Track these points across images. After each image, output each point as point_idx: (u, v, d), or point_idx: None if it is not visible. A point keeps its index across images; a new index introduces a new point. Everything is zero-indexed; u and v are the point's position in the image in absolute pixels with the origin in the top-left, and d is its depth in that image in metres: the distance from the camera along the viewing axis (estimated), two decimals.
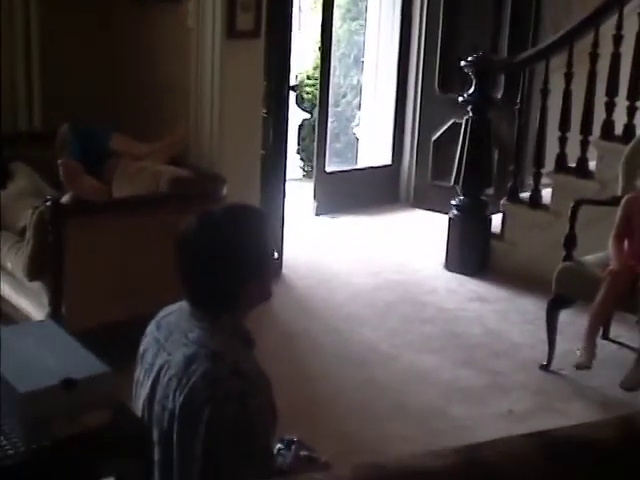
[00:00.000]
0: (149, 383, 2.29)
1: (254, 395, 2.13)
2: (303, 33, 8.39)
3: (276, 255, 2.43)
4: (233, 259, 2.24)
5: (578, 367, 4.15)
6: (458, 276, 5.64)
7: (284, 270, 5.45)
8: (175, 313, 2.36)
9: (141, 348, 2.41)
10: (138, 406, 2.33)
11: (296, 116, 7.99)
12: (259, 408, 2.14)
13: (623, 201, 4.31)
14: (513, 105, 5.80)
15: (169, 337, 2.30)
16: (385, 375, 4.32)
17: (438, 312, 5.09)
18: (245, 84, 4.89)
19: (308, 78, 8.18)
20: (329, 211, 6.80)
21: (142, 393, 2.33)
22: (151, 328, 2.41)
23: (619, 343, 4.69)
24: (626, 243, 4.25)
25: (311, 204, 6.79)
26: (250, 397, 2.12)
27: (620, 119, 5.22)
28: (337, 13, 7.42)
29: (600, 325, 4.32)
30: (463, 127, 5.73)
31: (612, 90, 5.22)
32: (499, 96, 6.25)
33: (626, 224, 4.25)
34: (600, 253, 4.39)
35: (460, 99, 5.74)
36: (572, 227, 4.45)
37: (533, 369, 4.42)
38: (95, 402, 2.17)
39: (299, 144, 8.27)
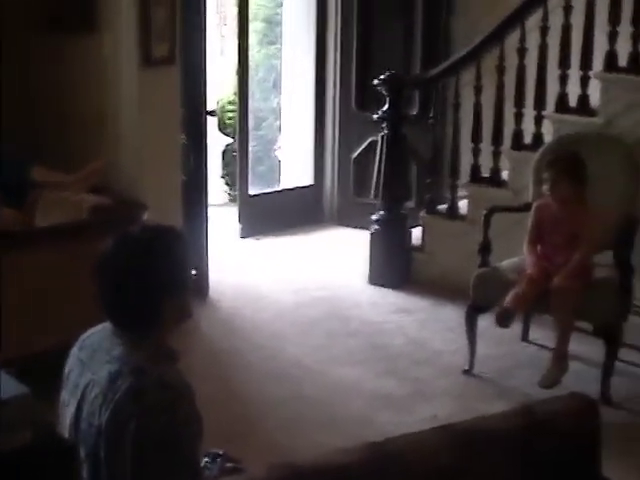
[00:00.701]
0: (75, 402, 2.33)
1: (181, 406, 2.18)
2: (225, 59, 8.47)
3: (194, 272, 2.48)
4: (150, 278, 2.30)
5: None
6: (381, 289, 5.75)
7: (210, 292, 5.51)
8: (98, 333, 2.41)
9: (65, 370, 2.45)
10: (65, 426, 2.37)
11: (219, 141, 8.06)
12: (186, 418, 2.19)
13: (533, 208, 4.47)
14: (427, 120, 5.96)
15: (93, 356, 2.35)
16: (312, 389, 4.41)
17: (362, 325, 5.20)
18: (162, 111, 4.95)
19: (230, 103, 8.26)
20: (254, 233, 6.87)
21: (68, 413, 2.37)
22: (74, 350, 2.45)
23: (537, 344, 4.84)
24: (539, 247, 4.40)
25: (236, 227, 6.87)
26: (176, 407, 2.17)
27: (529, 129, 5.40)
28: (255, 38, 7.53)
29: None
30: (379, 144, 5.87)
31: (520, 101, 5.40)
32: (414, 112, 6.40)
33: (537, 229, 4.41)
34: (515, 258, 4.53)
35: (375, 117, 5.88)
36: (486, 234, 4.60)
37: (455, 374, 4.55)
38: (14, 423, 2.18)
39: (223, 169, 8.33)
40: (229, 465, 2.77)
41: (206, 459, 2.71)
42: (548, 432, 2.16)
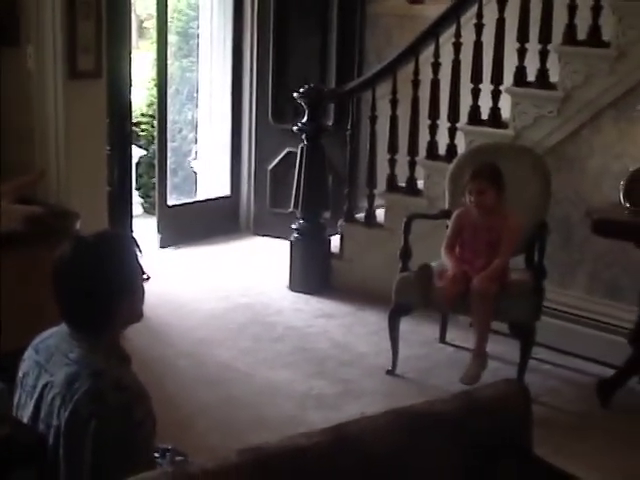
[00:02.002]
0: (32, 404, 2.41)
1: (137, 406, 2.29)
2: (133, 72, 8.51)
3: (146, 276, 2.59)
4: (105, 281, 2.39)
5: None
6: (302, 295, 5.92)
7: None
8: (54, 336, 2.50)
9: (20, 373, 2.52)
10: None
11: (133, 153, 8.10)
12: (142, 419, 2.30)
13: (454, 215, 4.66)
14: (344, 132, 6.14)
15: (50, 359, 2.42)
16: (242, 392, 4.54)
17: (287, 330, 5.35)
18: (89, 123, 5.03)
19: (142, 115, 8.32)
20: (173, 243, 6.97)
21: (24, 414, 2.44)
22: (29, 353, 2.53)
23: (454, 345, 5.08)
24: (458, 251, 4.61)
25: (155, 237, 6.95)
26: (133, 408, 2.27)
27: (443, 140, 5.63)
28: (168, 51, 7.61)
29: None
30: (299, 155, 6.04)
31: (434, 114, 5.64)
32: (330, 123, 6.59)
33: (457, 236, 4.62)
34: (433, 263, 4.74)
35: (294, 128, 6.05)
36: (406, 240, 4.81)
37: (380, 375, 4.74)
38: None
39: (137, 181, 8.37)
40: (179, 458, 2.90)
41: (155, 454, 2.82)
42: (485, 414, 2.35)
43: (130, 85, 5.58)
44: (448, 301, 4.47)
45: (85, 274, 2.39)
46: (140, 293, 2.54)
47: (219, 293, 5.97)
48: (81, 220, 4.69)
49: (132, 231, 5.68)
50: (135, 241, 2.59)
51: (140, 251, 2.54)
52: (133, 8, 8.40)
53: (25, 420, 2.44)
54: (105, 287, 2.40)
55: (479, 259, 4.51)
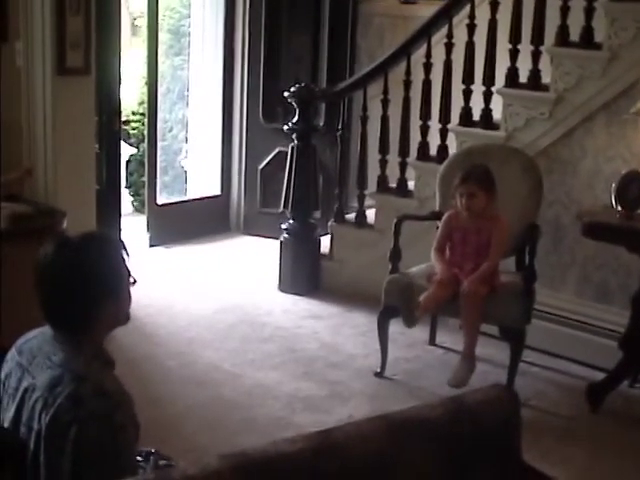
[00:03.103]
0: (14, 407, 2.36)
1: (118, 413, 2.24)
2: (125, 69, 8.48)
3: (133, 280, 2.55)
4: (89, 283, 2.35)
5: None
6: (292, 296, 5.90)
7: None
8: (37, 338, 2.45)
9: (2, 374, 2.48)
10: None
11: (123, 152, 8.06)
12: (124, 425, 2.25)
13: (444, 217, 4.63)
14: (335, 132, 6.12)
15: (32, 361, 2.38)
16: (231, 392, 4.51)
17: (276, 331, 5.32)
18: (77, 120, 5.01)
19: (133, 114, 8.28)
20: (163, 242, 6.94)
21: (6, 417, 2.40)
22: (12, 354, 2.48)
23: (444, 348, 5.05)
24: (448, 254, 4.58)
25: (145, 236, 6.91)
26: (114, 415, 2.23)
27: (434, 141, 5.61)
28: (160, 49, 7.57)
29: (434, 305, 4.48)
30: (289, 155, 6.01)
31: (425, 114, 5.61)
32: (321, 124, 6.56)
33: (447, 238, 4.59)
34: (423, 265, 4.72)
35: (285, 128, 6.02)
36: (396, 241, 4.77)
37: (368, 377, 4.71)
38: None
39: (127, 179, 8.34)
40: (162, 462, 2.87)
41: (139, 457, 2.78)
42: (473, 419, 2.32)
43: (120, 82, 5.56)
44: (432, 307, 4.45)
45: (67, 275, 2.35)
46: (126, 297, 2.49)
47: (208, 293, 5.94)
48: (69, 218, 4.67)
49: (121, 230, 5.65)
50: (122, 244, 2.55)
51: (127, 254, 2.50)
52: (126, 5, 8.41)
53: (7, 423, 2.40)
54: (88, 289, 2.36)
55: (468, 262, 4.48)
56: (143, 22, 7.36)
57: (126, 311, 2.51)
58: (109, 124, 5.50)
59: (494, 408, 2.39)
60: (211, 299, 5.81)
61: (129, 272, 2.48)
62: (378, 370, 4.73)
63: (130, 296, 2.49)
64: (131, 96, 8.16)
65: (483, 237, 4.47)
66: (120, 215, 5.66)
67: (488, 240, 4.46)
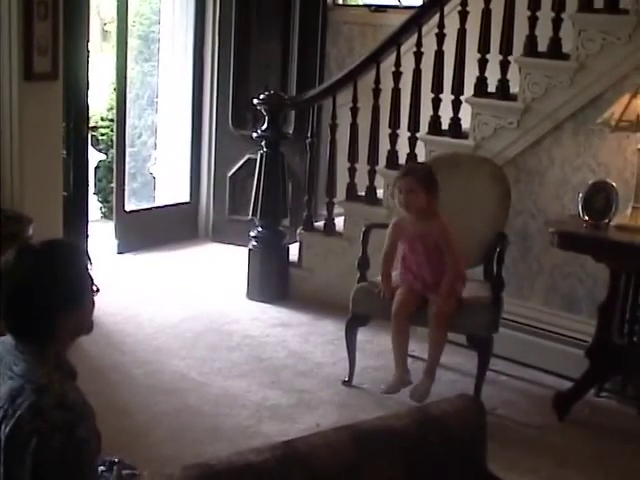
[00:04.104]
0: None
1: (80, 425, 2.21)
2: (94, 75, 8.43)
3: (96, 289, 2.52)
4: (51, 290, 2.32)
5: (387, 392, 4.44)
6: (260, 304, 5.88)
7: None
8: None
9: None
10: None
11: (92, 158, 8.01)
12: (85, 437, 2.21)
13: (390, 225, 4.56)
14: (304, 139, 6.09)
15: None
16: (197, 401, 4.48)
17: (243, 339, 5.30)
18: (44, 126, 4.98)
19: (102, 119, 8.23)
20: (131, 249, 6.89)
21: None
22: None
23: (412, 356, 5.03)
24: (400, 267, 4.51)
25: (113, 243, 6.87)
26: (76, 427, 2.19)
27: (403, 149, 5.61)
28: (130, 55, 7.53)
29: (402, 341, 4.51)
30: (258, 162, 5.99)
31: (395, 123, 5.62)
32: (290, 131, 6.55)
33: (394, 248, 4.52)
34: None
35: (254, 135, 6.01)
36: (364, 250, 4.77)
37: (336, 385, 4.70)
38: None
39: (96, 185, 8.29)
40: (126, 472, 2.84)
41: (102, 467, 2.76)
42: (439, 430, 2.31)
43: (87, 88, 5.52)
44: (399, 319, 4.45)
45: (28, 283, 2.32)
46: (88, 306, 2.45)
47: (176, 300, 5.91)
48: (35, 225, 4.62)
49: (87, 236, 5.61)
50: (86, 252, 2.52)
51: (90, 262, 2.47)
52: (97, 10, 8.37)
53: None
54: (49, 298, 2.32)
55: (425, 270, 4.44)
56: (113, 27, 7.34)
57: (89, 320, 2.47)
58: (77, 130, 5.46)
59: (460, 418, 2.38)
60: (179, 307, 5.78)
61: (92, 280, 2.45)
62: (346, 379, 4.72)
63: (93, 305, 2.46)
64: (101, 102, 8.12)
65: (429, 242, 4.39)
66: (87, 221, 5.62)
67: (435, 244, 4.38)
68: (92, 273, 2.44)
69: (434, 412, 2.39)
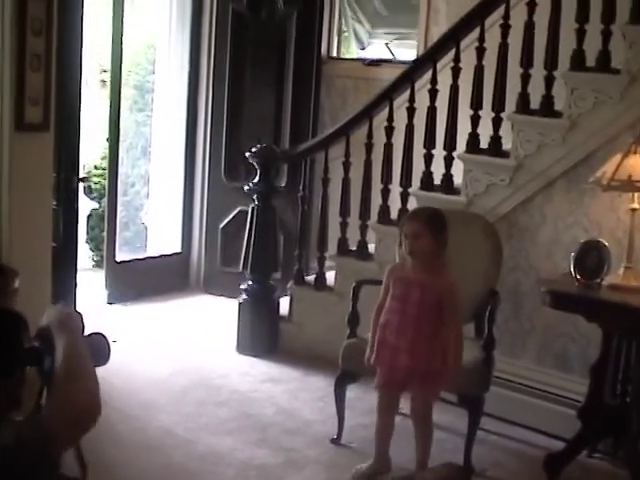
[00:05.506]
0: None
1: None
2: (89, 124, 8.44)
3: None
4: None
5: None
6: (250, 358, 5.82)
7: None
8: None
9: None
10: None
11: (85, 206, 8.00)
12: None
13: (387, 270, 4.24)
14: (296, 193, 6.08)
15: None
16: (182, 458, 4.41)
17: (231, 394, 5.23)
18: (35, 176, 4.95)
19: (96, 168, 8.23)
20: (121, 299, 6.85)
21: None
22: None
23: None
24: (383, 320, 4.16)
25: (103, 293, 6.82)
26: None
27: (395, 204, 5.59)
28: (124, 105, 7.55)
29: (386, 434, 4.31)
30: (249, 215, 5.97)
31: (387, 177, 5.60)
32: (283, 184, 6.55)
33: (388, 292, 4.17)
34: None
35: (246, 188, 5.99)
36: (354, 306, 4.72)
37: (325, 443, 4.63)
38: None
39: (88, 234, 8.26)
40: None
41: None
42: None
43: (79, 139, 5.51)
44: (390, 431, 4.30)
45: None
46: (19, 380, 2.21)
47: (165, 353, 5.85)
48: (22, 277, 4.57)
49: (76, 287, 5.56)
50: (23, 322, 2.42)
51: (26, 327, 2.36)
52: (96, 58, 8.38)
53: None
54: None
55: (408, 328, 4.02)
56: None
57: (17, 396, 2.33)
58: (67, 180, 5.44)
59: None
60: (168, 360, 5.72)
61: (33, 352, 2.34)
62: (334, 437, 4.66)
63: (24, 380, 2.35)
64: (95, 150, 8.12)
65: (429, 295, 3.97)
66: (76, 272, 5.58)
67: (436, 301, 3.97)
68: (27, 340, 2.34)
69: None
